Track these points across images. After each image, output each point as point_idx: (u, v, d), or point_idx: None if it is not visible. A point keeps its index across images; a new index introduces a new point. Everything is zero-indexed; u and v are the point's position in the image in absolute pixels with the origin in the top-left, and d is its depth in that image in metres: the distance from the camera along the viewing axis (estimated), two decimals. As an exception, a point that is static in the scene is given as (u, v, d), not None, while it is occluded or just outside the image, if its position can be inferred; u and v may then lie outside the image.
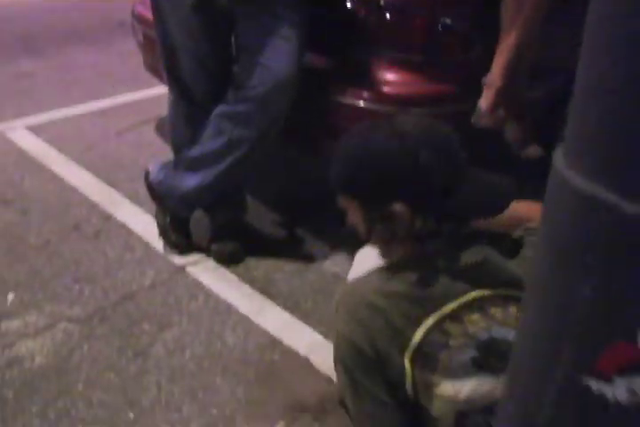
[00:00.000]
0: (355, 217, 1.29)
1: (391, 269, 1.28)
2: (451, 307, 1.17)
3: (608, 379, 0.69)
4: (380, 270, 1.29)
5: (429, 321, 1.17)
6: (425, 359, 1.17)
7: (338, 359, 1.28)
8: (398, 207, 1.19)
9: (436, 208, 1.18)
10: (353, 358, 1.23)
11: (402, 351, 1.18)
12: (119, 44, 4.58)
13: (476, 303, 1.17)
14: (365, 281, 1.30)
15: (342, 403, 1.35)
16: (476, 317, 1.15)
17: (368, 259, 1.44)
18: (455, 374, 1.12)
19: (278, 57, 2.08)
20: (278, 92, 2.10)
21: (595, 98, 0.62)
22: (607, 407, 0.70)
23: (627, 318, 0.65)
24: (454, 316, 1.15)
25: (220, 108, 2.20)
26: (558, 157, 0.67)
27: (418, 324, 1.17)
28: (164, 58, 2.25)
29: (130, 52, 4.06)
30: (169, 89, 2.32)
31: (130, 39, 3.16)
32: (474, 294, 1.18)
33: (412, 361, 1.18)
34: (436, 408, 1.17)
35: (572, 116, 0.67)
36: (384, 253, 1.33)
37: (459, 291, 1.18)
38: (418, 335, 1.16)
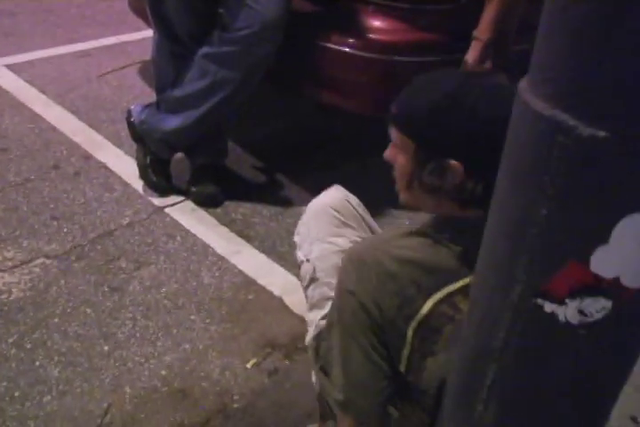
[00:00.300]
0: (403, 160, 1.19)
1: (412, 233, 1.20)
2: (465, 281, 1.13)
3: (560, 300, 0.72)
4: (398, 232, 1.23)
5: (440, 294, 1.13)
6: (429, 331, 1.11)
7: (336, 315, 1.24)
8: (454, 163, 1.12)
9: (490, 174, 1.10)
10: (356, 314, 1.17)
11: (407, 320, 1.14)
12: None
13: None
14: (380, 242, 1.24)
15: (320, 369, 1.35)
16: None
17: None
18: (454, 345, 1.11)
19: None
20: (264, 35, 2.08)
21: (558, 25, 0.63)
22: (558, 328, 0.73)
23: (580, 239, 0.68)
24: (466, 291, 1.11)
25: (205, 50, 2.18)
26: (523, 83, 0.69)
27: (428, 295, 1.13)
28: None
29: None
30: (153, 28, 2.29)
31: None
32: None
33: (415, 331, 1.14)
34: (425, 379, 1.15)
35: (537, 43, 0.69)
36: (415, 206, 1.27)
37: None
38: (426, 307, 1.12)
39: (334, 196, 1.53)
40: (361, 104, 2.35)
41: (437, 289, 1.10)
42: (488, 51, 2.11)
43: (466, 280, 1.09)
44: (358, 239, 1.44)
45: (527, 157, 0.67)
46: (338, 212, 1.48)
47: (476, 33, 2.12)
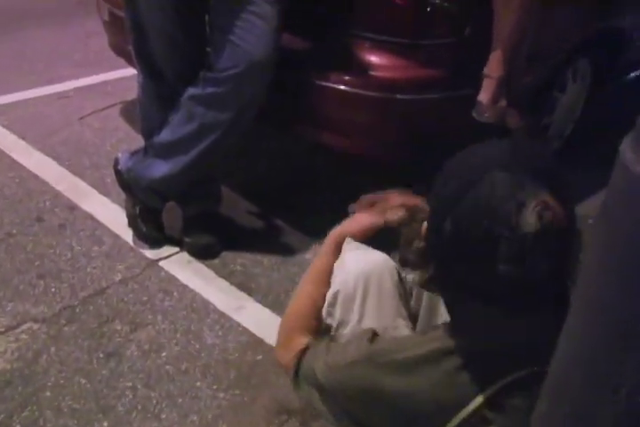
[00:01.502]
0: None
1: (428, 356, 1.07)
2: (489, 392, 1.00)
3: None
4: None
5: (465, 411, 0.99)
6: None
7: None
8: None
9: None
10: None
11: None
12: (79, 23, 4.37)
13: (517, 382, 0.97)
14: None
15: None
16: (518, 401, 0.98)
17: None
18: None
19: (252, 37, 1.95)
20: (252, 75, 1.97)
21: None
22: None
23: None
24: (493, 402, 0.98)
25: (191, 91, 2.06)
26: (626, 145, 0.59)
27: (451, 411, 1.01)
28: (132, 36, 2.09)
29: (92, 33, 3.88)
30: (138, 70, 2.17)
31: (91, 19, 2.99)
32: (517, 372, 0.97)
33: None
34: None
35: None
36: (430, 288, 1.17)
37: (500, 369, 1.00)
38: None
39: (381, 264, 1.32)
40: (360, 144, 2.24)
41: (460, 405, 0.99)
42: (501, 89, 2.02)
43: (488, 391, 0.97)
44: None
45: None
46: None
47: (486, 71, 2.03)
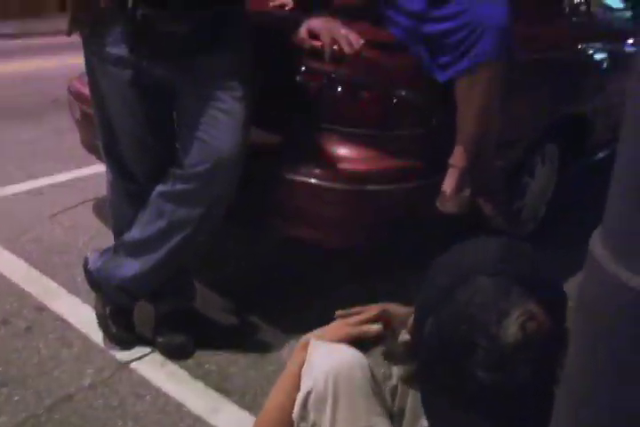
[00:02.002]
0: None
1: None
2: None
3: None
4: None
5: None
6: None
7: None
8: None
9: None
10: None
11: None
12: (53, 120, 4.43)
13: None
14: None
15: None
16: None
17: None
18: None
19: (220, 133, 1.95)
20: (221, 171, 1.97)
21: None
22: None
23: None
24: None
25: (159, 189, 2.05)
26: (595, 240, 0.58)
27: None
28: (101, 135, 2.10)
29: (65, 130, 3.91)
30: (108, 168, 2.16)
31: (64, 116, 3.01)
32: None
33: None
34: None
35: (609, 205, 0.58)
36: None
37: None
38: None
39: (349, 359, 1.23)
40: (332, 236, 2.23)
41: None
42: (465, 178, 2.03)
43: None
44: None
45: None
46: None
47: (451, 160, 2.06)
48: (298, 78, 2.17)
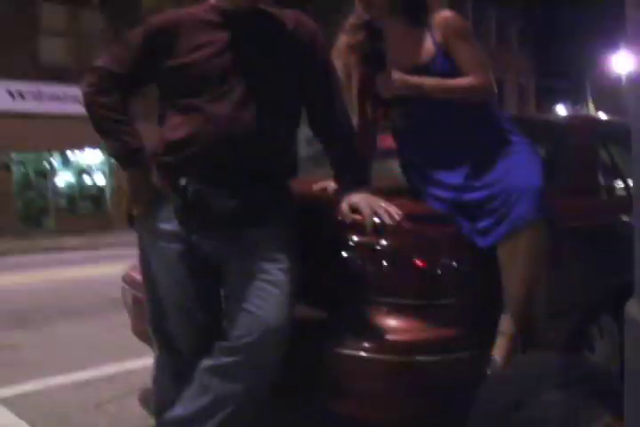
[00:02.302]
0: None
1: None
2: None
3: None
4: None
5: None
6: None
7: None
8: None
9: None
10: None
11: None
12: (109, 317, 4.55)
13: None
14: None
15: None
16: None
17: None
18: None
19: (266, 304, 1.97)
20: (267, 342, 1.95)
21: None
22: None
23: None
24: None
25: (205, 363, 2.02)
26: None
27: None
28: (150, 311, 2.14)
29: (117, 325, 3.97)
30: (155, 345, 2.16)
31: (120, 313, 3.10)
32: None
33: None
34: None
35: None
36: None
37: None
38: None
39: None
40: (378, 411, 2.09)
41: None
42: (516, 344, 1.96)
43: None
44: None
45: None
46: None
47: (500, 327, 2.00)
48: (341, 252, 2.20)
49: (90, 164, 16.77)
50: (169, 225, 2.05)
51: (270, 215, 2.05)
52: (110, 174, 16.31)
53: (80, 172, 16.78)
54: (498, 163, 2.15)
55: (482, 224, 2.11)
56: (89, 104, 2.05)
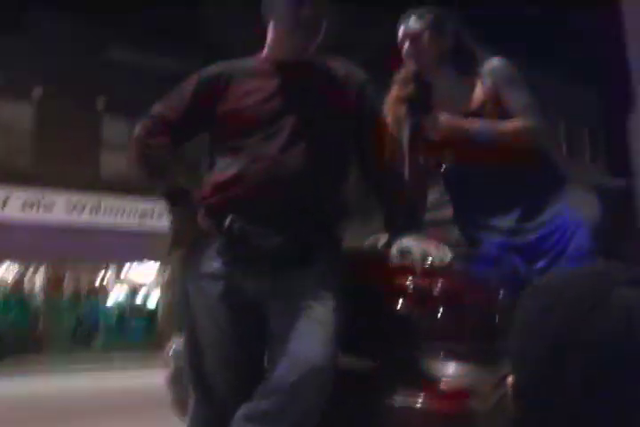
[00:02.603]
0: None
1: None
2: None
3: None
4: None
5: None
6: None
7: None
8: None
9: None
10: None
11: None
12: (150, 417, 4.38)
13: None
14: None
15: None
16: None
17: None
18: None
19: (311, 343, 1.87)
20: (311, 383, 1.82)
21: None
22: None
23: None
24: None
25: (242, 411, 1.87)
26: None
27: None
28: (187, 354, 2.04)
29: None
30: (191, 389, 2.03)
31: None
32: None
33: None
34: None
35: None
36: None
37: None
38: None
39: None
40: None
41: None
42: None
43: None
44: None
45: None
46: None
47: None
48: (392, 297, 2.10)
49: (144, 279, 16.79)
50: (212, 265, 2.00)
51: (316, 256, 2.00)
52: (164, 290, 16.23)
53: (133, 288, 16.79)
54: (549, 203, 2.09)
55: (539, 264, 2.01)
56: (138, 145, 2.08)
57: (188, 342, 2.04)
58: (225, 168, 2.03)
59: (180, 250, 2.09)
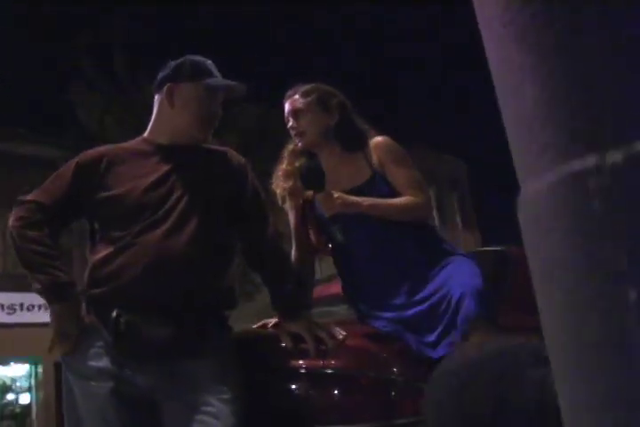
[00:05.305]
0: None
1: None
2: None
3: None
4: None
5: None
6: None
7: None
8: None
9: None
10: None
11: None
12: None
13: None
14: None
15: None
16: None
17: None
18: None
19: None
20: None
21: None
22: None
23: None
24: None
25: None
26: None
27: None
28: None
29: None
30: None
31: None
32: None
33: None
34: None
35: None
36: None
37: None
38: None
39: None
40: None
41: None
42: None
43: None
44: None
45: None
46: None
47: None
48: (288, 381, 2.07)
49: (13, 379, 15.64)
50: (99, 363, 1.90)
51: (206, 346, 1.94)
52: (36, 390, 15.12)
53: (2, 388, 15.58)
54: (436, 275, 2.15)
55: (429, 338, 2.05)
56: (17, 238, 1.97)
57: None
58: (107, 259, 1.96)
59: (63, 348, 1.97)
